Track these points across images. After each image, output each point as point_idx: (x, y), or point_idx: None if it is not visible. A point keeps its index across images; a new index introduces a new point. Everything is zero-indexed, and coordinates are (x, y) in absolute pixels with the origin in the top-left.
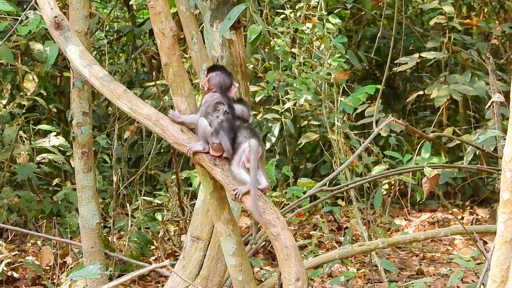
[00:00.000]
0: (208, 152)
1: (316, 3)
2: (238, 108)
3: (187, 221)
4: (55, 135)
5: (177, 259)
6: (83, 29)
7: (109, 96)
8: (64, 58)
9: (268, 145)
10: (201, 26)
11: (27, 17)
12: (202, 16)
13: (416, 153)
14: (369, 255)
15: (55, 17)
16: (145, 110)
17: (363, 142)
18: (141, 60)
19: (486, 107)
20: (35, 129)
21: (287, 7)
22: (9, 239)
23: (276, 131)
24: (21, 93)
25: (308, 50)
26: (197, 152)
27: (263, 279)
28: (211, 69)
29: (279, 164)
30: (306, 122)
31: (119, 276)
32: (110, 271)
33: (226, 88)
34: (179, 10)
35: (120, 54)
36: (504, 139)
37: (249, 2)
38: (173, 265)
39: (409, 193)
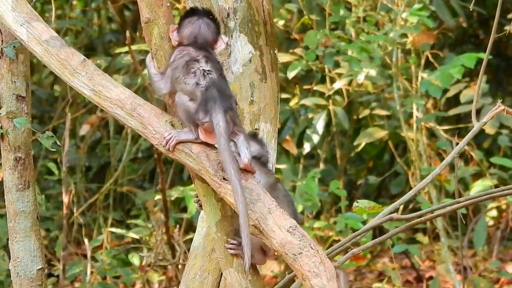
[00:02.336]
0: (201, 142)
1: None
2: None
3: (180, 267)
4: None
5: None
6: None
7: (58, 70)
8: None
9: (307, 146)
10: None
11: None
12: None
13: None
14: None
15: None
16: (114, 93)
17: (457, 144)
18: (106, 13)
19: None
20: None
21: None
22: None
23: (320, 126)
24: None
25: None
26: (184, 143)
27: None
28: (186, 15)
29: (325, 178)
30: (367, 112)
31: None
32: None
33: (205, 43)
34: None
35: (74, 2)
36: None
37: None
38: None
39: None
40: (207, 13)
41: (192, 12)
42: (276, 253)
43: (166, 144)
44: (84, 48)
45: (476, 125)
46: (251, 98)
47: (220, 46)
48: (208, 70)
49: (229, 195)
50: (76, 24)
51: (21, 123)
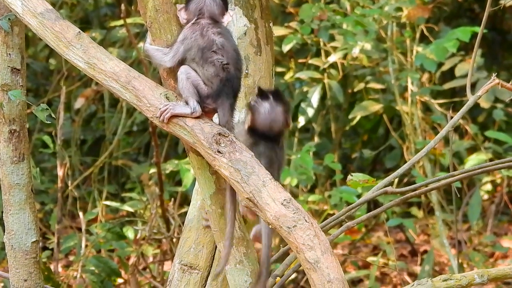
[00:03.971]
0: (198, 117)
1: None
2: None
3: (174, 240)
4: None
5: None
6: None
7: (53, 43)
8: None
9: (302, 120)
10: None
11: None
12: None
13: None
14: None
15: None
16: (109, 65)
17: (452, 117)
18: None
19: None
20: None
21: None
22: None
23: (314, 99)
24: None
25: None
26: (179, 117)
27: None
28: None
29: (320, 151)
30: (362, 86)
31: None
32: None
33: (213, 16)
34: None
35: None
36: None
37: None
38: None
39: None
40: None
41: None
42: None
43: (161, 116)
44: (79, 21)
45: (470, 99)
46: (246, 71)
47: (227, 18)
48: (226, 64)
49: (224, 168)
50: None
51: (16, 96)
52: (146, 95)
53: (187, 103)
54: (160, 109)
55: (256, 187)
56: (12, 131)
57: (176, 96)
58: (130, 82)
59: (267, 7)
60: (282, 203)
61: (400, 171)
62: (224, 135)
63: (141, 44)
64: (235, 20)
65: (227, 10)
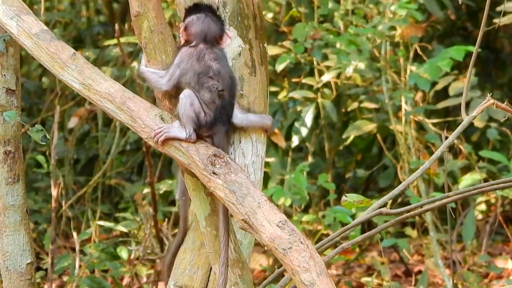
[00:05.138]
0: (193, 142)
1: None
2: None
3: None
4: None
5: None
6: None
7: (48, 64)
8: None
9: (295, 139)
10: None
11: None
12: None
13: None
14: None
15: None
16: (104, 86)
17: (447, 137)
18: (95, 5)
19: None
20: None
21: None
22: None
23: (308, 119)
24: None
25: None
26: (173, 140)
27: None
28: (190, 11)
29: (314, 171)
30: (356, 105)
31: None
32: None
33: (213, 39)
34: None
35: None
36: None
37: None
38: None
39: None
40: (211, 10)
41: (198, 9)
42: (266, 246)
43: (155, 136)
44: (72, 40)
45: (465, 119)
46: (241, 92)
47: (226, 41)
48: (221, 90)
49: (219, 189)
50: (65, 17)
51: (11, 117)
52: (141, 116)
53: (184, 127)
54: (154, 130)
55: (251, 209)
56: (7, 152)
57: (171, 117)
58: (125, 103)
59: (262, 27)
60: (277, 225)
61: (395, 191)
62: (219, 156)
63: (134, 64)
64: (230, 41)
65: (224, 29)
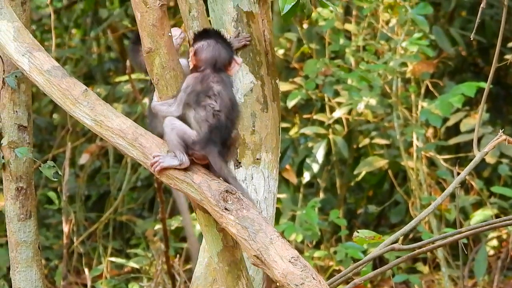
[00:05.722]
0: (184, 168)
1: None
2: None
3: None
4: None
5: None
6: None
7: (59, 100)
8: None
9: (307, 175)
10: None
11: None
12: None
13: None
14: None
15: None
16: (116, 122)
17: (458, 173)
18: (106, 41)
19: None
20: None
21: None
22: None
23: (319, 155)
24: None
25: (370, 26)
26: (168, 169)
27: None
28: (200, 36)
29: (325, 207)
30: (367, 141)
31: None
32: None
33: (222, 66)
34: None
35: (73, 31)
36: None
37: None
38: None
39: None
40: (220, 36)
41: (207, 34)
42: (278, 282)
43: (152, 167)
44: (83, 77)
45: (477, 155)
46: (253, 128)
47: (234, 67)
48: (217, 111)
49: (231, 225)
50: (76, 53)
51: (23, 153)
52: (153, 152)
53: (175, 154)
54: (152, 160)
55: (263, 245)
56: (19, 189)
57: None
58: (137, 139)
59: (274, 64)
60: (289, 261)
61: (407, 227)
62: (231, 193)
63: (146, 100)
64: (242, 77)
65: (233, 58)
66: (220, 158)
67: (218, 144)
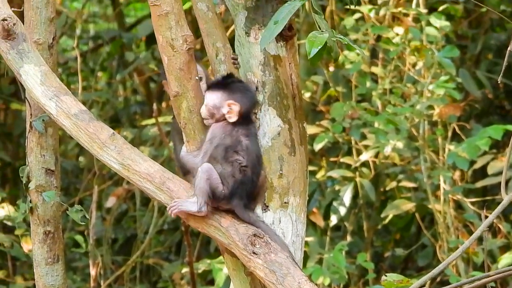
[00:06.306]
0: (205, 216)
1: None
2: None
3: None
4: None
5: None
6: (47, 39)
7: (87, 144)
8: (12, 81)
9: (334, 219)
10: (230, 33)
11: None
12: (233, 18)
13: None
14: None
15: (4, 20)
16: (143, 166)
17: (486, 217)
18: (132, 84)
19: None
20: None
21: (364, 2)
22: None
23: (347, 198)
24: None
25: (397, 69)
26: (186, 213)
27: None
28: (231, 88)
29: (352, 250)
30: (394, 184)
31: None
32: None
33: (250, 115)
34: (196, 9)
35: (100, 74)
36: None
37: None
38: None
39: None
40: (245, 84)
41: (243, 88)
42: None
43: (169, 209)
44: (109, 120)
45: (505, 198)
46: (280, 172)
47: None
48: (245, 166)
49: (259, 269)
50: (102, 96)
51: (51, 197)
52: (180, 196)
53: (197, 199)
54: (170, 204)
55: None
56: (47, 232)
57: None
58: (165, 183)
59: (301, 107)
60: None
61: (435, 271)
62: (259, 236)
63: (172, 144)
64: (269, 121)
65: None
66: (246, 210)
67: (244, 197)
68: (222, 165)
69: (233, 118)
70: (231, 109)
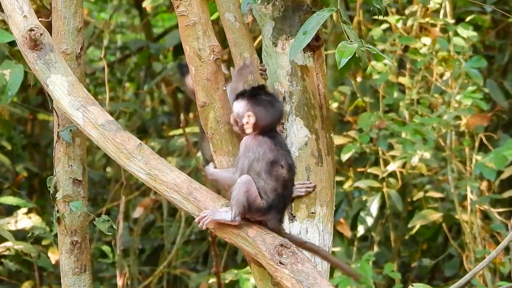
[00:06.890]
0: (237, 226)
1: (438, 5)
2: None
3: None
4: (26, 213)
5: None
6: (75, 50)
7: (114, 154)
8: (40, 91)
9: (361, 229)
10: (258, 44)
11: None
12: (260, 28)
13: None
14: None
15: (31, 30)
16: (170, 177)
17: None
18: (159, 95)
19: None
20: None
21: (391, 12)
22: None
23: (374, 208)
24: None
25: (424, 79)
26: (218, 222)
27: None
28: (255, 100)
29: (379, 260)
30: (421, 194)
31: None
32: None
33: (276, 126)
34: (223, 19)
35: (127, 85)
36: None
37: (338, 4)
38: None
39: None
40: (271, 94)
41: (263, 100)
42: None
43: (199, 222)
44: (137, 130)
45: None
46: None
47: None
48: (287, 180)
49: (286, 279)
50: (129, 107)
51: (78, 207)
52: (207, 206)
53: (231, 209)
54: (200, 215)
55: None
56: (74, 242)
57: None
58: (192, 193)
59: (328, 117)
60: None
61: (461, 281)
62: (286, 247)
63: (199, 154)
64: (296, 131)
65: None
66: (278, 223)
67: (281, 211)
68: (265, 180)
69: (249, 129)
70: (249, 120)
